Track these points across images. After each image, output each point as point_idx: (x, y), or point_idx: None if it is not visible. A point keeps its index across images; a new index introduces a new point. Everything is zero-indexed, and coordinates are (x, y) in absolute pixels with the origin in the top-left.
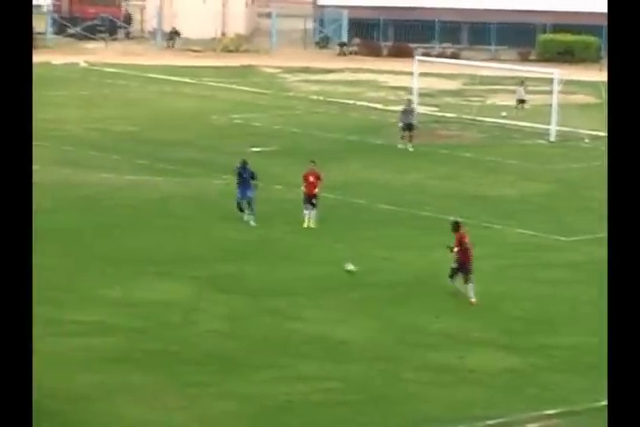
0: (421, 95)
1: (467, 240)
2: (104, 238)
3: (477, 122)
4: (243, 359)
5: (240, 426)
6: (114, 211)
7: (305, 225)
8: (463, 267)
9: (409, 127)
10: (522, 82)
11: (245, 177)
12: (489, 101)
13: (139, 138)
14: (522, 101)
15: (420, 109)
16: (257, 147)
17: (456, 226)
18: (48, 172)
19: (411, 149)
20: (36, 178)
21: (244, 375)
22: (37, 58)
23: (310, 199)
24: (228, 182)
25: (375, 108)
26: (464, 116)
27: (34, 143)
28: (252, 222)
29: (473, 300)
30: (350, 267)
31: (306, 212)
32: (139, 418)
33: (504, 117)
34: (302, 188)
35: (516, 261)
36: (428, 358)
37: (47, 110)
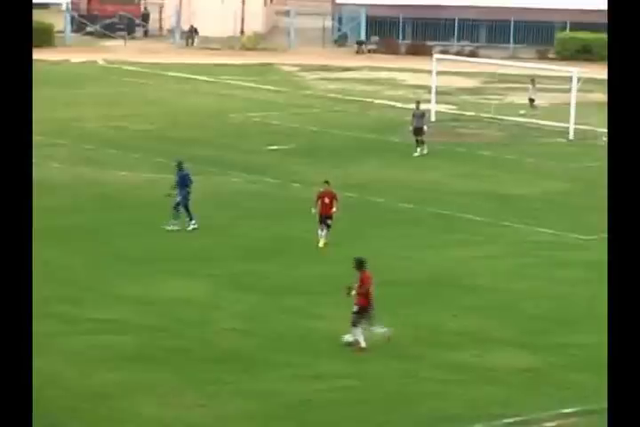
0: (440, 93)
1: (370, 281)
2: (123, 236)
3: (496, 120)
4: (261, 357)
5: (258, 424)
6: (132, 209)
7: (320, 244)
8: (364, 311)
9: (417, 132)
10: (532, 80)
11: (177, 179)
12: (507, 100)
13: (157, 136)
14: (532, 100)
15: (438, 108)
16: (275, 145)
17: (360, 264)
18: (67, 170)
19: (425, 152)
20: (55, 176)
21: (263, 373)
22: (56, 56)
23: (326, 220)
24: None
25: (393, 107)
26: (482, 115)
27: (53, 141)
28: (170, 227)
29: (362, 345)
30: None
31: (320, 232)
32: (157, 416)
33: (523, 115)
34: (313, 209)
35: (535, 259)
36: (445, 357)
37: (66, 109)
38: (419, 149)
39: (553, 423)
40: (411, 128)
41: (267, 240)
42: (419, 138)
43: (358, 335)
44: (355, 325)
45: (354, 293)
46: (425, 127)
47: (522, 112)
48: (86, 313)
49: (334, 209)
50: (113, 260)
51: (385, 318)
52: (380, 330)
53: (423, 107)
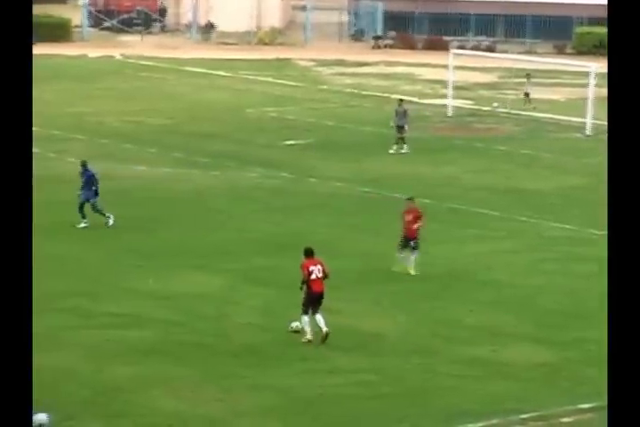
0: (456, 88)
1: (306, 270)
2: (139, 231)
3: (513, 115)
4: (277, 352)
5: (274, 418)
6: (149, 204)
7: (412, 272)
8: (306, 298)
9: (399, 129)
10: (527, 75)
11: (84, 179)
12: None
13: (174, 131)
14: (527, 94)
15: (455, 103)
16: (291, 140)
17: (305, 252)
18: None
19: (403, 151)
20: (72, 171)
21: (279, 368)
22: (74, 51)
23: (408, 242)
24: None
25: (410, 102)
26: (499, 110)
27: (69, 136)
28: (83, 225)
29: (308, 337)
30: (295, 325)
31: (398, 255)
32: (174, 410)
33: (495, 108)
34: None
35: (551, 254)
36: (462, 352)
37: (83, 103)
38: (395, 147)
39: (569, 419)
40: (392, 125)
41: (283, 235)
42: (400, 135)
43: (305, 324)
44: (303, 312)
45: (302, 287)
46: (406, 126)
47: (495, 104)
48: (102, 307)
49: (415, 226)
50: (129, 254)
51: (401, 313)
52: (295, 324)
53: (439, 102)
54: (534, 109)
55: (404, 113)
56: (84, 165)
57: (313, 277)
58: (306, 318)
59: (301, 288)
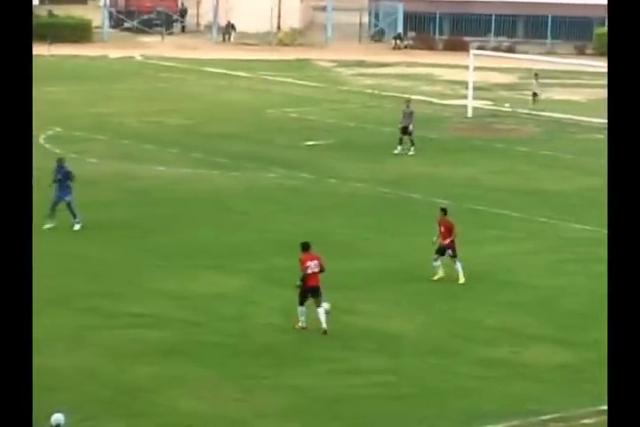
0: (477, 89)
1: (305, 263)
2: (160, 231)
3: (533, 116)
4: (297, 352)
5: (295, 419)
6: (169, 204)
7: (461, 281)
8: (303, 290)
9: (404, 130)
10: (535, 75)
11: (60, 178)
12: (544, 95)
13: (194, 131)
14: (535, 94)
15: (475, 103)
16: (311, 140)
17: (302, 246)
18: (105, 165)
19: (410, 153)
20: (93, 171)
21: (299, 368)
22: (94, 52)
23: (444, 251)
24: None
25: (430, 102)
26: (519, 110)
27: (90, 136)
28: (77, 226)
29: (301, 324)
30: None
31: (435, 263)
32: (194, 410)
33: (508, 108)
34: (435, 238)
35: (572, 255)
36: (482, 353)
37: (103, 104)
38: (399, 148)
39: (591, 420)
40: (399, 126)
41: (303, 235)
42: (404, 137)
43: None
44: (300, 303)
45: (298, 283)
46: (411, 126)
47: (507, 105)
48: (124, 307)
49: (447, 241)
50: (150, 254)
51: (421, 313)
52: (302, 318)
53: (458, 102)
54: (544, 110)
55: (410, 114)
56: (60, 162)
57: (309, 271)
58: (302, 309)
59: (299, 286)
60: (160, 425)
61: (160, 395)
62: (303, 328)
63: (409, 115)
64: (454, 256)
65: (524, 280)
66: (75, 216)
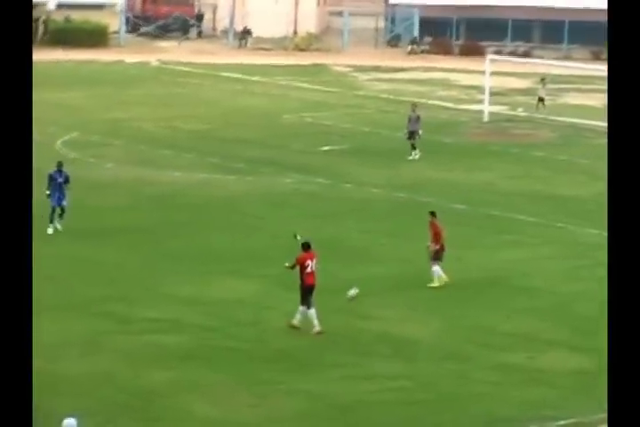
0: (493, 94)
1: (304, 261)
2: (176, 236)
3: (549, 121)
4: (312, 358)
5: (309, 425)
6: (185, 209)
7: (437, 284)
8: (305, 290)
9: (411, 135)
10: (542, 80)
11: (60, 182)
12: (560, 100)
13: (210, 136)
14: (541, 99)
15: (491, 108)
16: (327, 145)
17: (303, 245)
18: (121, 170)
19: (416, 158)
20: (109, 176)
21: (314, 374)
22: (110, 56)
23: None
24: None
25: (446, 107)
26: (536, 115)
27: (107, 141)
28: (51, 230)
29: (317, 329)
30: (353, 292)
31: (434, 268)
32: (208, 415)
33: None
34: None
35: (588, 261)
36: (497, 358)
37: (120, 109)
38: (413, 153)
39: (606, 426)
40: (406, 131)
41: (318, 241)
42: (412, 142)
43: (313, 318)
44: (303, 304)
45: (287, 266)
46: (420, 131)
47: (519, 110)
48: (140, 312)
49: (429, 244)
50: (167, 259)
51: (436, 319)
52: (298, 317)
53: (475, 107)
54: (549, 114)
55: (417, 118)
56: (59, 165)
57: (308, 270)
58: (312, 311)
59: (292, 267)
60: None
61: (175, 400)
62: (320, 332)
63: (416, 119)
64: (436, 260)
65: (540, 286)
66: (60, 220)
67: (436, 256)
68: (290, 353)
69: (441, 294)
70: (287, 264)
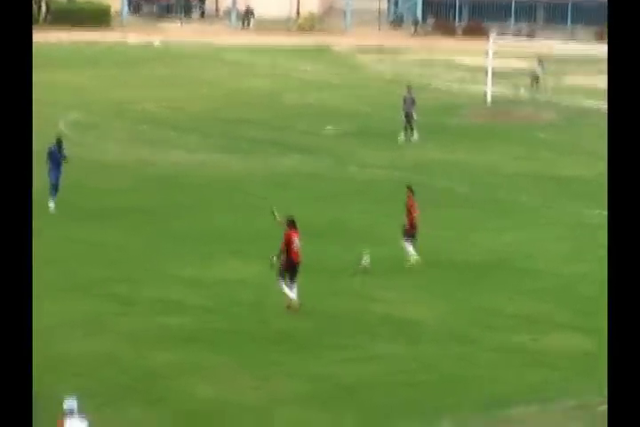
0: (496, 75)
1: (292, 239)
2: (178, 217)
3: (553, 102)
4: (315, 339)
5: (312, 406)
6: (188, 190)
7: (412, 262)
8: (289, 267)
9: (407, 117)
10: (539, 59)
11: (59, 158)
12: (564, 81)
13: (213, 117)
14: (536, 78)
15: (494, 90)
16: (330, 126)
17: (289, 222)
18: (124, 151)
19: (414, 138)
20: (111, 157)
21: (317, 355)
22: (113, 37)
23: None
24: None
25: (449, 89)
26: (539, 96)
27: (110, 122)
28: (52, 207)
29: (290, 301)
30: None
31: (408, 245)
32: (211, 397)
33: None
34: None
35: (592, 242)
36: (501, 340)
37: (123, 90)
38: (402, 134)
39: None
40: (402, 113)
41: (322, 221)
42: (408, 124)
43: (286, 290)
44: (281, 280)
45: (275, 259)
46: (414, 113)
47: (523, 90)
48: (143, 294)
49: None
50: (169, 240)
51: (440, 300)
52: (288, 293)
53: (478, 89)
54: (545, 94)
55: (412, 101)
56: (59, 142)
57: (294, 247)
58: (284, 284)
59: (278, 257)
60: (178, 412)
61: (178, 381)
62: (293, 302)
63: (411, 101)
64: (407, 237)
65: (544, 267)
66: (54, 197)
67: (406, 233)
68: (292, 334)
69: (444, 276)
70: (275, 213)
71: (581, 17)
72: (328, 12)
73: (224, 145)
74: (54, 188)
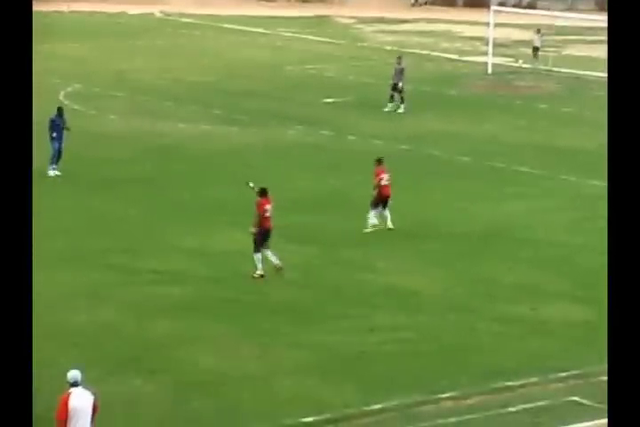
0: (497, 46)
1: (263, 207)
2: (179, 188)
3: (553, 73)
4: (316, 309)
5: (313, 376)
6: (189, 161)
7: (368, 230)
8: (262, 234)
9: (394, 88)
10: (538, 30)
11: (60, 126)
12: (565, 52)
13: (214, 88)
14: (536, 49)
15: (495, 60)
16: (330, 97)
17: (260, 191)
18: (124, 122)
19: (401, 111)
20: (112, 128)
21: (318, 325)
22: (113, 8)
23: (386, 201)
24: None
25: (450, 59)
26: (540, 67)
27: (110, 93)
28: (57, 173)
29: (259, 272)
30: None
31: (375, 213)
32: (213, 367)
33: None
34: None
35: (591, 213)
36: (501, 310)
37: (123, 61)
38: (390, 105)
39: None
40: (391, 83)
41: (322, 193)
42: (394, 93)
43: (258, 262)
44: (256, 250)
45: (254, 230)
46: (401, 84)
47: (520, 61)
48: (144, 264)
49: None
50: (170, 211)
51: (440, 270)
52: (273, 258)
53: (478, 59)
54: (545, 64)
55: (402, 71)
56: (60, 111)
57: (267, 214)
58: (259, 256)
59: (254, 233)
60: (179, 382)
61: (179, 351)
62: (262, 276)
63: (400, 71)
64: (374, 206)
65: (543, 237)
66: (56, 165)
67: (373, 202)
68: (293, 305)
69: (444, 246)
70: (251, 184)
71: None
72: None
73: (224, 116)
74: (57, 156)
